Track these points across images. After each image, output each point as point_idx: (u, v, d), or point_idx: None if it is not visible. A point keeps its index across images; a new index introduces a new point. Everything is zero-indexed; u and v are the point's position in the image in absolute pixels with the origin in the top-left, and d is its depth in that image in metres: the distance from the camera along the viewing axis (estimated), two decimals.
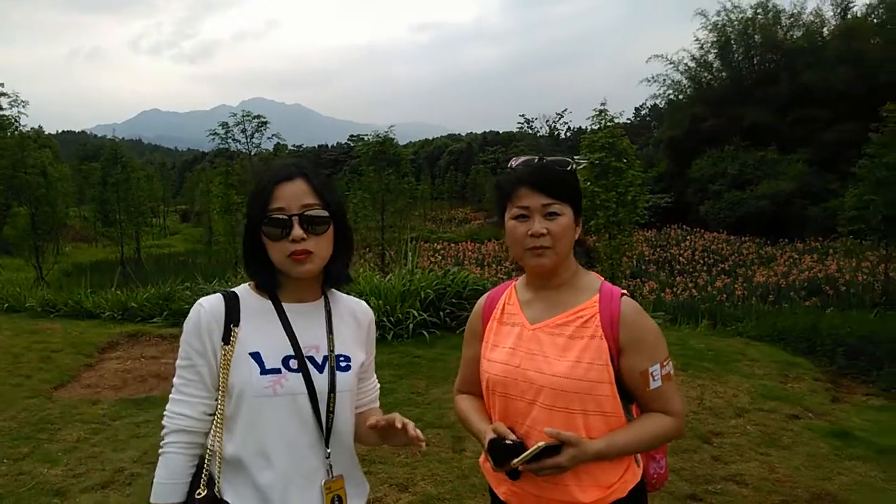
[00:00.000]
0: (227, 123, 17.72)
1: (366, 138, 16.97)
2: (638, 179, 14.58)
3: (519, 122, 50.28)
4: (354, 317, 1.76)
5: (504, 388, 1.76)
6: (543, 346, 1.73)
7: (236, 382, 1.53)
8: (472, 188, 54.40)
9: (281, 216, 1.54)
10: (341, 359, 1.65)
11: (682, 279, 17.31)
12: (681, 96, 35.88)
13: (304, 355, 1.59)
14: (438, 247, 25.44)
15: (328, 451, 1.60)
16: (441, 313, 7.76)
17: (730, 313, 10.41)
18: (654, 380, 1.69)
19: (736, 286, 14.80)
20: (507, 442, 1.64)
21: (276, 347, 1.58)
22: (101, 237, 32.86)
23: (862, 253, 15.88)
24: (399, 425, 1.53)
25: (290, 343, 1.59)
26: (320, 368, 1.60)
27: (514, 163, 1.83)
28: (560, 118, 40.47)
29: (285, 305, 1.64)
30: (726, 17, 32.83)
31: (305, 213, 1.55)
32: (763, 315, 9.58)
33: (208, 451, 1.58)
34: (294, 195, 1.56)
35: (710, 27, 33.30)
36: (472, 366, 1.93)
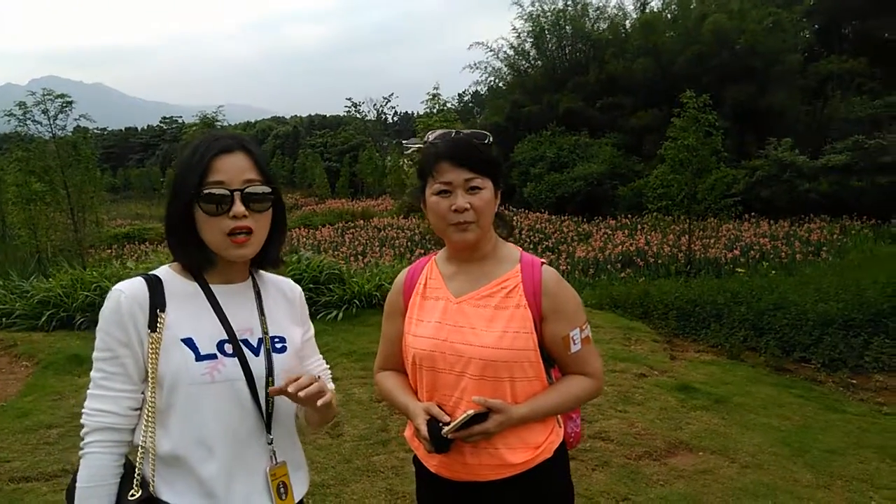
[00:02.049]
0: (24, 103, 15.70)
1: (180, 120, 15.86)
2: None
3: (346, 106, 49.57)
4: (284, 295, 1.69)
5: (431, 362, 1.76)
6: (470, 319, 1.76)
7: (168, 372, 1.42)
8: (301, 173, 53.05)
9: (221, 191, 1.43)
10: (276, 340, 1.58)
11: None
12: (501, 83, 37.36)
13: (238, 339, 1.50)
14: None
15: (270, 437, 1.53)
16: None
17: None
18: (574, 344, 1.77)
19: (560, 262, 15.80)
20: (442, 425, 1.66)
21: (209, 332, 1.48)
22: None
23: (666, 227, 17.54)
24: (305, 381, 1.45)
25: (222, 327, 1.49)
26: (256, 352, 1.52)
27: (430, 136, 1.82)
28: (387, 102, 40.50)
29: (213, 287, 1.53)
30: (540, 8, 34.52)
31: (247, 190, 1.45)
32: (597, 285, 10.33)
33: (140, 449, 1.44)
34: (235, 169, 1.46)
35: (525, 17, 34.88)
36: (394, 342, 1.92)
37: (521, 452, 1.73)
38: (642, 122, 28.05)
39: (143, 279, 1.49)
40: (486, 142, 1.79)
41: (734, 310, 7.15)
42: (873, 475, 3.99)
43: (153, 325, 1.43)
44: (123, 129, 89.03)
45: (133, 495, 1.40)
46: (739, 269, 12.06)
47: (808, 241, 16.81)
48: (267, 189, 1.49)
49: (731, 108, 24.60)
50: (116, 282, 5.96)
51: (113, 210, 36.16)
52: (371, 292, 7.71)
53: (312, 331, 1.78)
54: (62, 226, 16.15)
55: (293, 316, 1.69)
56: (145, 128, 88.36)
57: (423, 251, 17.08)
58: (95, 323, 5.40)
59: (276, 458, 1.54)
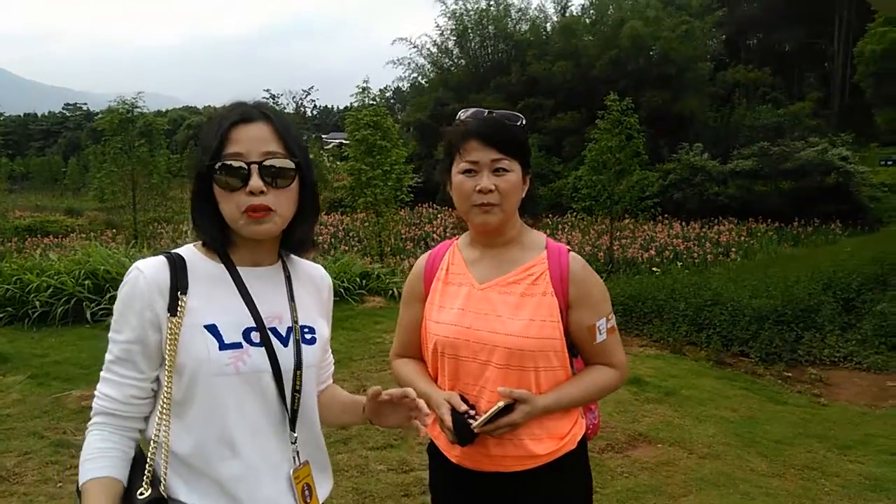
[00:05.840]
0: None
1: (85, 107, 15.02)
2: (402, 158, 14.96)
3: (264, 97, 48.20)
4: (314, 283, 1.57)
5: (454, 350, 1.71)
6: (495, 306, 1.71)
7: (188, 360, 1.29)
8: None
9: (237, 163, 1.31)
10: (306, 330, 1.46)
11: None
12: (424, 81, 37.38)
13: (267, 327, 1.38)
14: (187, 227, 23.59)
15: (295, 435, 1.41)
16: None
17: None
18: (600, 333, 1.75)
19: None
20: (469, 419, 1.62)
21: (234, 318, 1.35)
22: None
23: (587, 227, 18.00)
24: (414, 398, 1.41)
25: (249, 313, 1.36)
26: (284, 342, 1.40)
27: (462, 115, 1.77)
28: (307, 95, 39.56)
29: (240, 269, 1.40)
30: (463, 7, 34.74)
31: (266, 163, 1.33)
32: None
33: (152, 442, 1.31)
34: (254, 139, 1.33)
35: (448, 14, 35.00)
36: (413, 329, 1.86)
37: (546, 443, 1.70)
38: (562, 124, 28.71)
39: (164, 258, 1.36)
40: (518, 123, 1.75)
41: (674, 305, 7.39)
42: (822, 463, 4.20)
43: (173, 308, 1.30)
44: (23, 114, 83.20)
45: (142, 493, 1.27)
46: (655, 269, 12.44)
47: (718, 242, 17.63)
48: (289, 163, 1.36)
49: (646, 112, 25.52)
50: (39, 275, 5.51)
51: (11, 201, 33.82)
52: None
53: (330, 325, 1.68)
54: None
55: (321, 306, 1.58)
56: (46, 114, 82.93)
57: (346, 248, 16.83)
58: (16, 318, 5.00)
59: (299, 459, 1.42)
